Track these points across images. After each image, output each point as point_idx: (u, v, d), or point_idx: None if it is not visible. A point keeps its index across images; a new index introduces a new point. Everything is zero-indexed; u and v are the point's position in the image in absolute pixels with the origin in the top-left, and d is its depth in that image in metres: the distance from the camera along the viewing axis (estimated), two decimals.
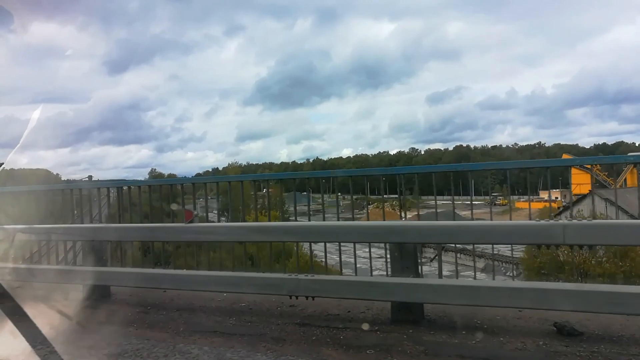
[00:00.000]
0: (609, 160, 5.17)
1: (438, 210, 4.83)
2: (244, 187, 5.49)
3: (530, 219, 3.94)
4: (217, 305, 5.02)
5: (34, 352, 2.20)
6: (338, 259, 4.97)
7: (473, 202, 5.17)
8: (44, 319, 2.84)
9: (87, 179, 12.59)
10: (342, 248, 4.95)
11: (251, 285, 4.56)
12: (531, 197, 5.13)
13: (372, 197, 6.04)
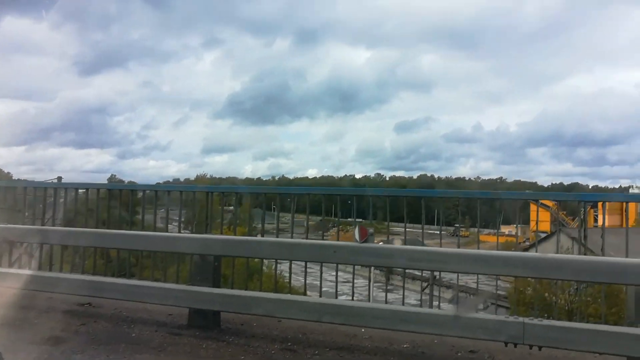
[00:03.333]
0: (573, 197, 5.30)
1: (401, 237, 4.80)
2: (214, 199, 5.32)
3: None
4: None
5: None
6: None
7: (435, 232, 5.13)
8: None
9: (55, 180, 11.99)
10: None
11: None
12: (491, 230, 5.21)
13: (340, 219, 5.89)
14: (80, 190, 6.45)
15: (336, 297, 4.90)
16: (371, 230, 4.17)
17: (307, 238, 5.03)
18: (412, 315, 3.74)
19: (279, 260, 5.30)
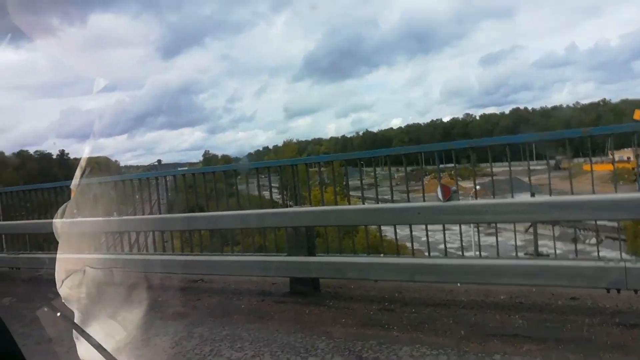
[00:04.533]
0: None
1: (496, 178, 4.62)
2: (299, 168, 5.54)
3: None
4: None
5: None
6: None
7: (536, 167, 4.85)
8: None
9: (156, 163, 13.05)
10: None
11: None
12: (600, 158, 4.79)
13: (427, 167, 5.78)
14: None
15: (445, 251, 4.90)
16: (454, 187, 4.15)
17: (392, 199, 5.10)
18: (504, 267, 3.72)
19: None
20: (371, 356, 3.40)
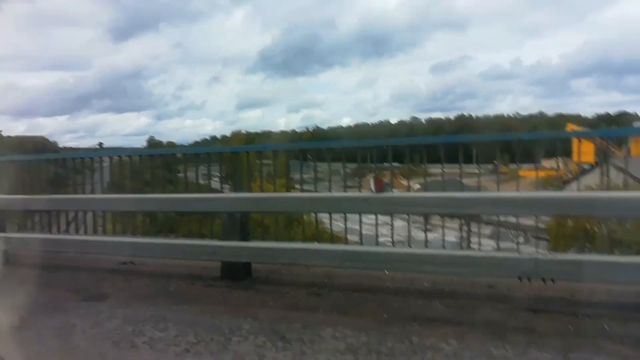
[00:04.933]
0: (612, 133, 5.11)
1: (439, 179, 4.83)
2: (249, 156, 5.51)
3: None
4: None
5: None
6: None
7: (473, 171, 5.12)
8: None
9: (97, 146, 12.56)
10: None
11: None
12: (531, 165, 5.13)
13: (371, 165, 5.93)
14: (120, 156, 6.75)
15: (376, 242, 5.06)
16: (387, 180, 4.28)
17: (329, 189, 5.19)
18: (429, 257, 3.88)
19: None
20: (295, 337, 3.44)
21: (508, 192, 4.17)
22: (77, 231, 6.84)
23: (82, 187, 7.04)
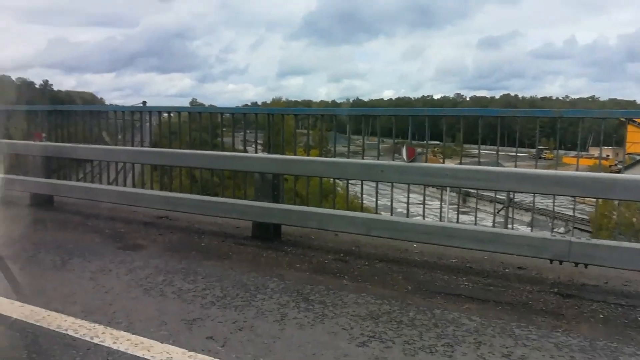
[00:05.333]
0: None
1: (482, 160, 4.70)
2: (286, 122, 5.52)
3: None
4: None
5: None
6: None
7: (518, 155, 4.98)
8: None
9: (141, 104, 12.85)
10: None
11: None
12: (580, 152, 4.86)
13: (413, 142, 5.89)
14: (164, 114, 6.90)
15: (391, 213, 5.06)
16: (419, 150, 4.21)
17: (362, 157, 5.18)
18: (456, 231, 3.83)
19: (354, 182, 5.46)
20: (317, 299, 3.50)
21: (533, 170, 4.02)
22: (116, 183, 7.10)
23: (127, 142, 7.28)
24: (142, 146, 7.33)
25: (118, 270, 4.09)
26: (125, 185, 7.16)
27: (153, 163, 6.16)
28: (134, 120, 7.37)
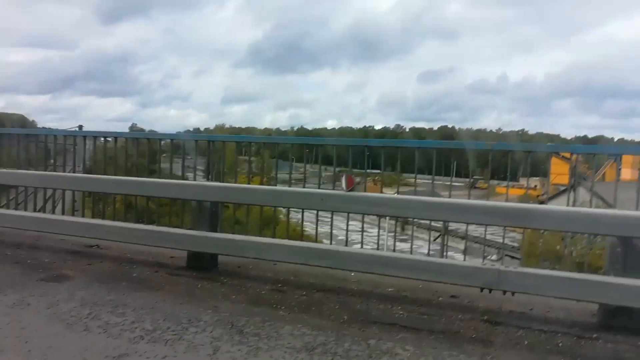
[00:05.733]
0: (588, 149, 5.17)
1: (418, 189, 4.84)
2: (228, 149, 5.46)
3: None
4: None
5: None
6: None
7: (453, 184, 5.18)
8: None
9: (77, 128, 12.28)
10: None
11: None
12: (510, 183, 5.13)
13: (354, 170, 5.98)
14: (100, 139, 6.65)
15: (330, 242, 5.07)
16: (357, 179, 4.29)
17: (319, 187, 5.20)
18: (392, 260, 3.90)
19: (294, 210, 5.45)
20: (252, 331, 3.42)
21: (464, 200, 4.21)
22: (44, 210, 6.71)
23: (59, 167, 6.92)
24: (75, 172, 7.00)
25: (38, 304, 3.82)
26: (54, 212, 6.78)
27: (86, 190, 5.90)
28: (67, 145, 7.05)
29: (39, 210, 6.57)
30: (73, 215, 6.36)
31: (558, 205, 4.91)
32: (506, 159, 4.64)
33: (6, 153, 6.94)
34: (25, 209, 6.63)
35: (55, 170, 6.65)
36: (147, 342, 3.19)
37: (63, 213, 6.56)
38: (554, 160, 6.12)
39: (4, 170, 5.95)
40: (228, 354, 3.04)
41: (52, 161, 7.03)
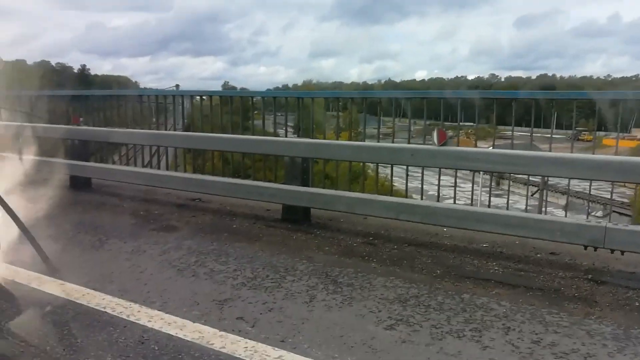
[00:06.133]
0: None
1: (515, 142, 4.59)
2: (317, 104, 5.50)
3: None
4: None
5: None
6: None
7: (554, 136, 4.83)
8: None
9: (174, 88, 13.02)
10: None
11: None
12: (622, 134, 4.68)
13: (446, 123, 5.79)
14: (196, 98, 7.02)
15: (421, 197, 5.02)
16: (450, 133, 4.15)
17: (409, 142, 5.14)
18: (486, 215, 3.78)
19: (384, 165, 5.45)
20: (346, 282, 3.53)
21: (568, 155, 3.89)
22: (151, 165, 7.28)
23: (162, 125, 7.43)
24: (175, 130, 7.48)
25: (152, 251, 4.22)
26: (159, 168, 7.34)
27: (185, 147, 6.28)
28: (167, 104, 7.50)
29: (146, 166, 7.14)
30: (176, 170, 6.80)
31: None
32: (614, 108, 4.22)
33: (116, 113, 7.53)
34: (135, 165, 7.23)
35: (158, 129, 7.14)
36: (249, 288, 3.42)
37: (167, 168, 7.06)
38: None
39: (118, 129, 6.49)
40: (323, 302, 3.19)
41: (154, 120, 7.54)
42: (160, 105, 7.38)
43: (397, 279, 3.58)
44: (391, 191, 5.26)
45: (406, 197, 5.21)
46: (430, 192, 5.99)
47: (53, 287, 3.38)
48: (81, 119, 6.64)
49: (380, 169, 6.60)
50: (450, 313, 3.04)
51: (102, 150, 7.47)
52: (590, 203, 5.03)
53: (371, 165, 7.36)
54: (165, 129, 7.51)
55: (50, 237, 4.05)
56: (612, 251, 3.41)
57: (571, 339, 2.71)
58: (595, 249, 3.47)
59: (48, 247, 3.64)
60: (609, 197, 4.81)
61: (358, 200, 4.35)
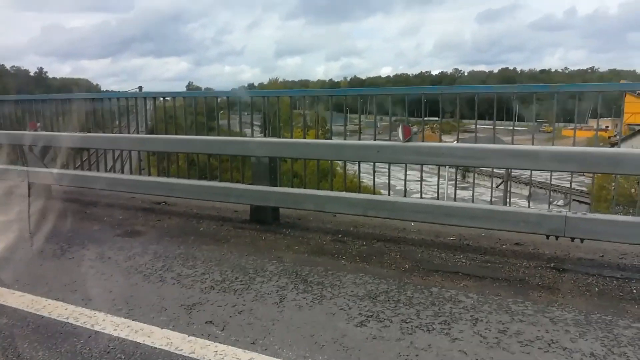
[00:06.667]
0: None
1: (479, 135, 4.68)
2: (283, 103, 5.45)
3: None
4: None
5: None
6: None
7: (516, 129, 4.93)
8: None
9: (137, 90, 12.70)
10: None
11: None
12: (579, 125, 4.83)
13: (411, 119, 5.84)
14: (160, 99, 6.86)
15: (388, 193, 5.04)
16: (415, 129, 4.19)
17: (375, 139, 5.14)
18: (453, 209, 3.83)
19: (352, 163, 5.45)
20: (316, 280, 3.52)
21: (529, 147, 3.98)
22: (114, 170, 7.09)
23: (124, 128, 7.23)
24: (138, 132, 7.29)
25: (117, 257, 4.11)
26: (122, 172, 7.15)
27: (150, 150, 6.15)
28: (130, 106, 7.31)
29: (109, 170, 6.94)
30: (140, 174, 6.65)
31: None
32: (572, 100, 4.35)
33: (76, 117, 7.30)
34: (98, 170, 7.03)
35: (120, 132, 6.95)
36: (218, 291, 3.37)
37: (131, 172, 6.89)
38: (628, 99, 5.65)
39: (78, 134, 6.28)
40: (294, 302, 3.17)
41: (117, 123, 7.33)
42: (122, 107, 7.19)
43: (367, 275, 3.60)
44: (359, 188, 5.27)
45: (374, 193, 5.23)
46: (397, 187, 6.03)
47: (12, 299, 3.24)
48: (39, 124, 6.41)
49: (349, 166, 6.62)
50: (420, 307, 3.07)
51: (62, 156, 7.23)
52: (551, 193, 5.18)
53: (339, 162, 7.38)
54: (129, 132, 7.32)
55: (8, 247, 3.90)
56: (573, 239, 3.51)
57: (535, 326, 2.78)
58: (557, 237, 3.56)
59: (6, 257, 3.50)
60: (569, 186, 4.95)
61: (326, 198, 4.35)
